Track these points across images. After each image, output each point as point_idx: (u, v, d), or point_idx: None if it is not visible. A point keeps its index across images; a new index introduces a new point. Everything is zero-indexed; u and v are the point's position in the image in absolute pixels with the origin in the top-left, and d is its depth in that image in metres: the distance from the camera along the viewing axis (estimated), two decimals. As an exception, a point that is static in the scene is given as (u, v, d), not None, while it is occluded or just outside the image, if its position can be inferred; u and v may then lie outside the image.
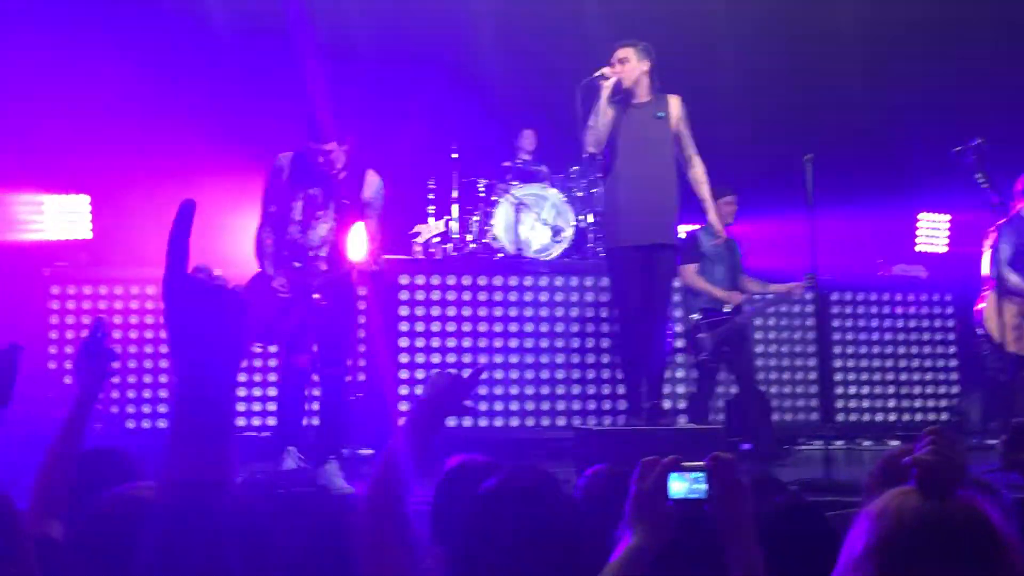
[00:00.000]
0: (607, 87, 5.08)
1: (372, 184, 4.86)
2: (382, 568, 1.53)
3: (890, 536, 1.11)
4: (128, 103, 7.24)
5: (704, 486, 1.59)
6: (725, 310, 6.20)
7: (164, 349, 6.55)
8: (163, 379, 6.55)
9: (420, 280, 6.57)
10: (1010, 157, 5.98)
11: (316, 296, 4.76)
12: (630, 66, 5.13)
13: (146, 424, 6.54)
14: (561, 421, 6.55)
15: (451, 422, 6.32)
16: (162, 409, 6.53)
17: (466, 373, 1.85)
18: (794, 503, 2.12)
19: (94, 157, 7.30)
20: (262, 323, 4.59)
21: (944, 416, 7.52)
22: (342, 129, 4.69)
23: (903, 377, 7.54)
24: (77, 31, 7.27)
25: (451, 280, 6.60)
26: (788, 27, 8.07)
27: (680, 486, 1.60)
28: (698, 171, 5.29)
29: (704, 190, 5.32)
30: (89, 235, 7.45)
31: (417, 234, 5.15)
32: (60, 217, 7.41)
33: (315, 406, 4.91)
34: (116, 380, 6.53)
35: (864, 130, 8.05)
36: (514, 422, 6.54)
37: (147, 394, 6.59)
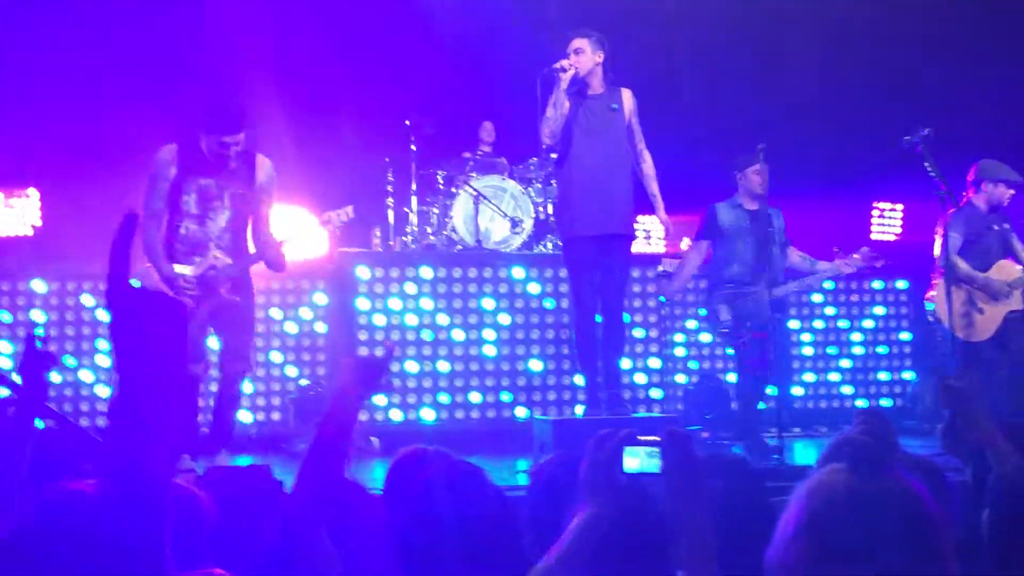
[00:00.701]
0: (564, 79, 5.09)
1: (264, 167, 4.74)
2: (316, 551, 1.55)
3: (821, 511, 1.13)
4: (76, 98, 7.11)
5: (658, 460, 1.61)
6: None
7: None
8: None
9: (379, 273, 6.53)
10: (963, 148, 6.08)
11: (224, 290, 4.65)
12: (585, 57, 5.15)
13: (101, 422, 6.44)
14: (521, 411, 6.56)
15: (399, 415, 6.34)
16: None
17: (379, 352, 1.91)
18: (752, 484, 2.14)
19: (42, 153, 7.17)
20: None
21: (899, 402, 7.66)
22: (244, 117, 4.61)
23: (859, 364, 7.66)
24: (23, 26, 7.12)
25: (410, 272, 6.57)
26: (742, 15, 8.13)
27: (634, 460, 1.61)
28: (648, 166, 5.32)
29: (654, 185, 5.33)
30: (37, 231, 7.31)
31: (327, 220, 4.95)
32: (8, 213, 7.27)
33: (211, 401, 4.79)
34: (70, 378, 6.43)
35: (819, 120, 8.14)
36: (474, 414, 6.54)
37: (101, 392, 6.49)
